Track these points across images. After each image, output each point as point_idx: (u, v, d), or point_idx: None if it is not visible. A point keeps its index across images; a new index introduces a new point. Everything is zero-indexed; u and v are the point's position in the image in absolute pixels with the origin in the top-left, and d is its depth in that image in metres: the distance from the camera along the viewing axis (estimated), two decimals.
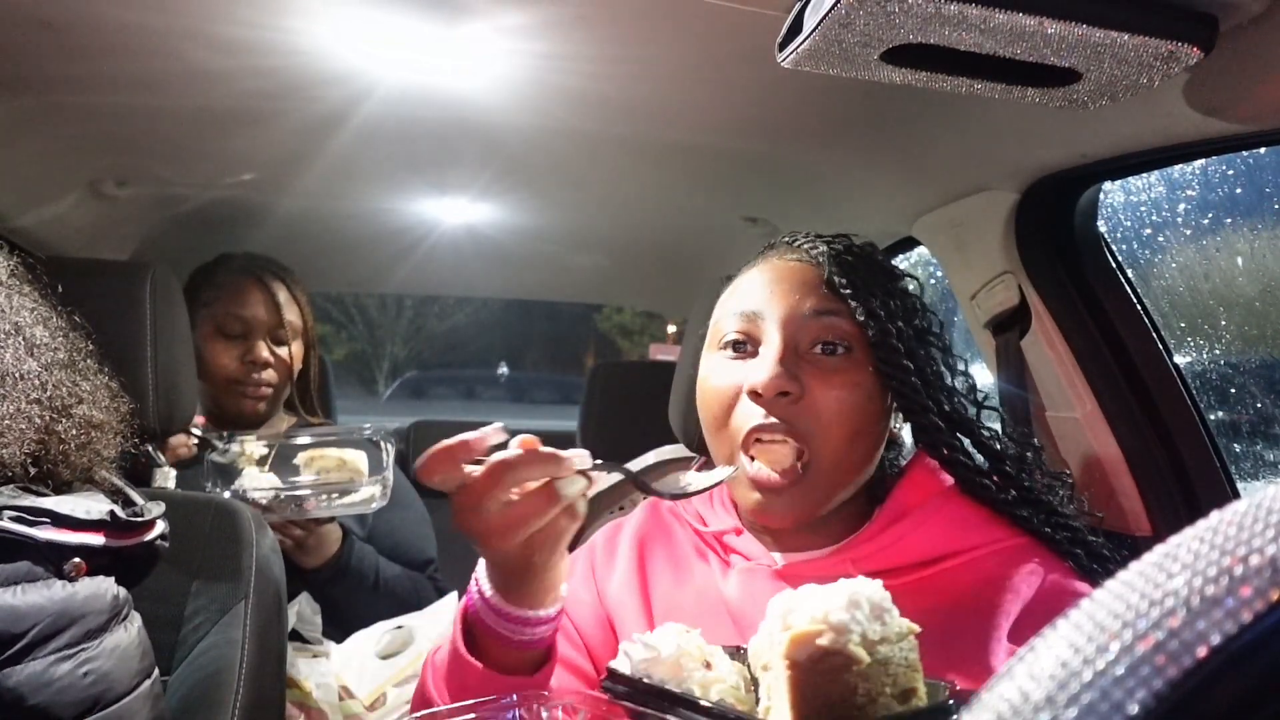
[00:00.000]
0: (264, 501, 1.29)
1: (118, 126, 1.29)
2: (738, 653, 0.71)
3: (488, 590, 0.73)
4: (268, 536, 1.12)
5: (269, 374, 1.58)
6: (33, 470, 0.76)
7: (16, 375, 0.75)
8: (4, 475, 0.74)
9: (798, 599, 0.58)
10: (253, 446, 1.36)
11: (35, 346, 0.79)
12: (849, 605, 0.56)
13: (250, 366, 1.56)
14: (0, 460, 0.72)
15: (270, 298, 1.59)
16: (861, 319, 0.84)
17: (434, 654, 0.80)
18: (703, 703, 0.62)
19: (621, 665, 0.67)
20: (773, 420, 0.83)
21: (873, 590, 0.58)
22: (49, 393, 0.78)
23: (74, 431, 0.80)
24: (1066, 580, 0.83)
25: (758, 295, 0.88)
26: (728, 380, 0.87)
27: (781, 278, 0.89)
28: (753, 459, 0.85)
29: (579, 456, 0.69)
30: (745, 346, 0.88)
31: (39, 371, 0.77)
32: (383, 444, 1.37)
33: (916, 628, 0.59)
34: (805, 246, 0.91)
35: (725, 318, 0.90)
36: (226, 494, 1.27)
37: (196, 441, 1.50)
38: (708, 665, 0.67)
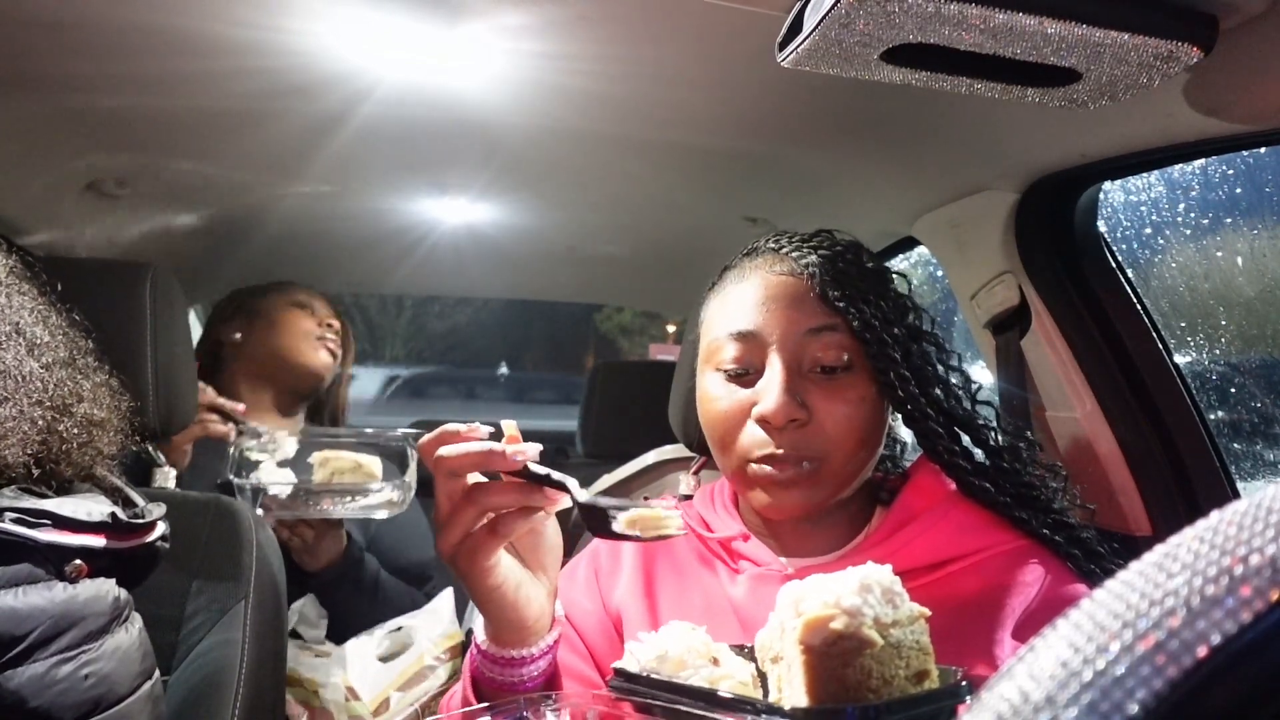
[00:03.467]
0: (282, 496, 1.29)
1: (118, 126, 1.29)
2: (742, 650, 0.71)
3: (481, 639, 0.76)
4: (268, 537, 1.12)
5: (334, 331, 1.77)
6: (35, 471, 0.76)
7: (19, 377, 0.74)
8: (6, 476, 0.74)
9: (808, 586, 0.59)
10: (286, 443, 1.38)
11: (36, 346, 0.78)
12: (860, 589, 0.57)
13: (320, 325, 1.76)
14: (4, 461, 0.72)
15: (323, 298, 1.83)
16: (858, 330, 0.84)
17: (448, 699, 0.83)
18: (709, 689, 0.62)
19: (628, 665, 0.67)
20: (781, 451, 0.83)
21: (882, 575, 0.58)
22: (50, 393, 0.78)
23: (75, 430, 0.80)
24: (1069, 582, 0.83)
25: (752, 315, 0.87)
26: (731, 403, 0.86)
27: (774, 295, 0.87)
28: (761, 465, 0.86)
29: (522, 452, 0.69)
30: (744, 368, 0.87)
31: (40, 372, 0.77)
32: (408, 449, 1.39)
33: (927, 611, 0.59)
34: (794, 256, 0.89)
35: (720, 337, 0.89)
36: (246, 485, 1.27)
37: (237, 431, 1.51)
38: (714, 662, 0.67)
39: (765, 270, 0.89)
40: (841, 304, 0.84)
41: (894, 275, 0.94)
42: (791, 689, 0.57)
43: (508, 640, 0.74)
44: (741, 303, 0.88)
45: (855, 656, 0.55)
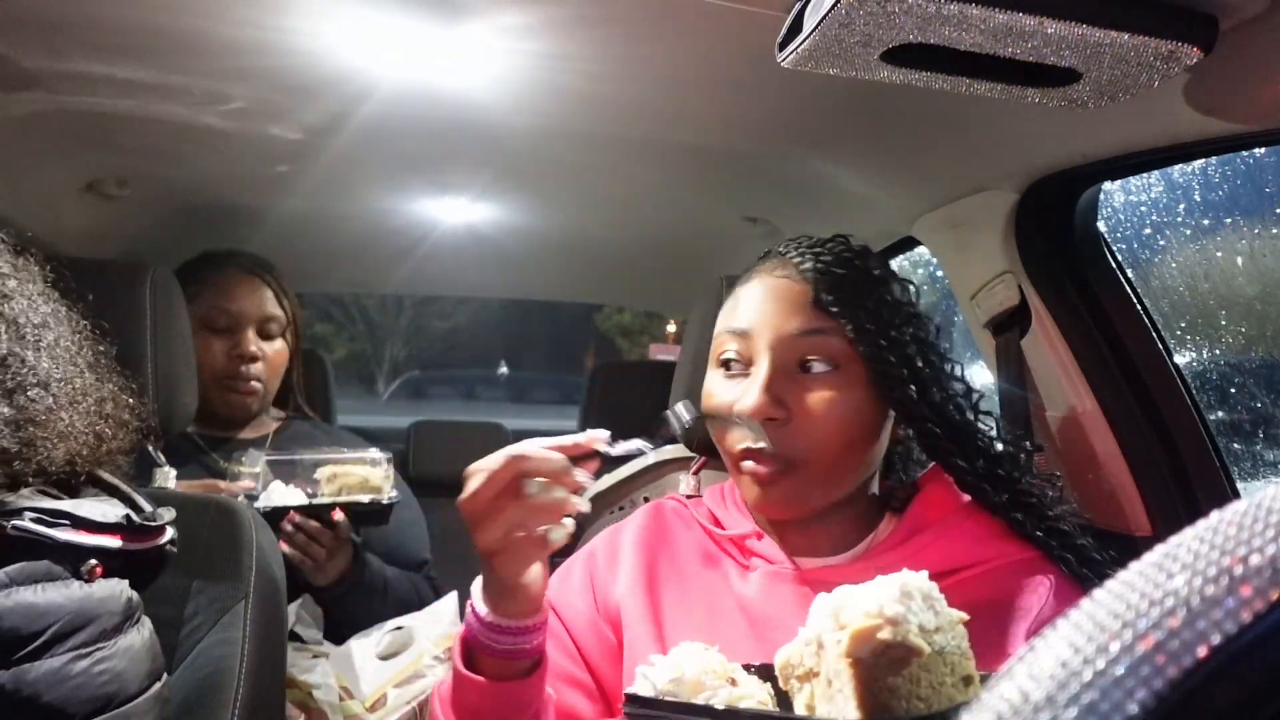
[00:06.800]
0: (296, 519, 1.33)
1: (118, 126, 1.29)
2: (751, 669, 0.69)
3: (482, 610, 0.76)
4: (268, 537, 1.12)
5: (258, 368, 1.54)
6: (64, 471, 0.78)
7: (61, 380, 0.77)
8: (44, 478, 0.75)
9: (846, 596, 0.58)
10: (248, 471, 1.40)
11: (73, 351, 0.81)
12: (902, 596, 0.56)
13: (238, 360, 1.52)
14: (51, 462, 0.74)
15: (257, 292, 1.57)
16: (852, 335, 0.85)
17: (440, 685, 0.83)
18: (750, 709, 0.61)
19: (641, 689, 0.65)
20: (762, 445, 0.85)
21: (921, 581, 0.58)
22: (91, 397, 0.81)
23: (109, 431, 0.83)
24: (1076, 592, 0.84)
25: (749, 314, 0.90)
26: (722, 398, 0.89)
27: (771, 295, 0.90)
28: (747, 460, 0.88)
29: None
30: (738, 365, 0.90)
31: (90, 378, 0.81)
32: (385, 465, 1.41)
33: (965, 615, 0.59)
34: (794, 261, 0.92)
35: (721, 334, 0.92)
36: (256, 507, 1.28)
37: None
38: (732, 682, 0.65)
39: (767, 273, 0.93)
40: (835, 309, 0.86)
41: (901, 283, 0.95)
42: (834, 705, 0.56)
43: (515, 612, 0.75)
44: (744, 302, 0.92)
45: (903, 665, 0.54)
